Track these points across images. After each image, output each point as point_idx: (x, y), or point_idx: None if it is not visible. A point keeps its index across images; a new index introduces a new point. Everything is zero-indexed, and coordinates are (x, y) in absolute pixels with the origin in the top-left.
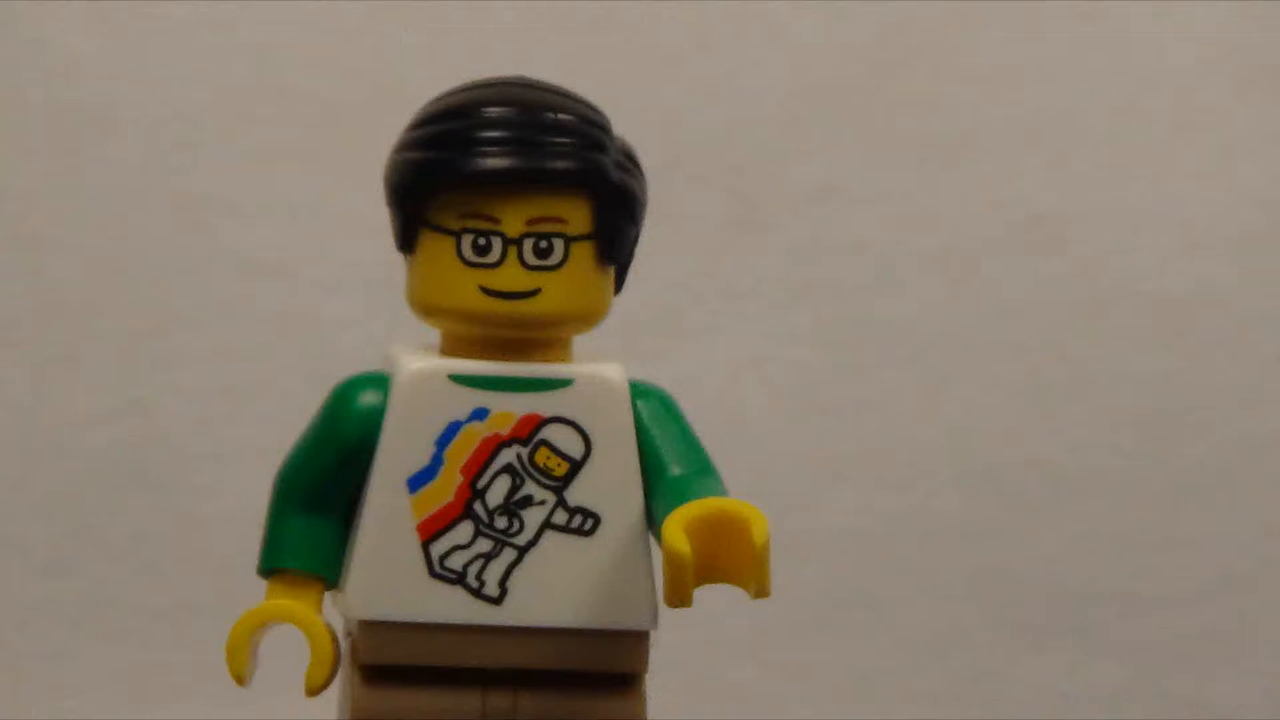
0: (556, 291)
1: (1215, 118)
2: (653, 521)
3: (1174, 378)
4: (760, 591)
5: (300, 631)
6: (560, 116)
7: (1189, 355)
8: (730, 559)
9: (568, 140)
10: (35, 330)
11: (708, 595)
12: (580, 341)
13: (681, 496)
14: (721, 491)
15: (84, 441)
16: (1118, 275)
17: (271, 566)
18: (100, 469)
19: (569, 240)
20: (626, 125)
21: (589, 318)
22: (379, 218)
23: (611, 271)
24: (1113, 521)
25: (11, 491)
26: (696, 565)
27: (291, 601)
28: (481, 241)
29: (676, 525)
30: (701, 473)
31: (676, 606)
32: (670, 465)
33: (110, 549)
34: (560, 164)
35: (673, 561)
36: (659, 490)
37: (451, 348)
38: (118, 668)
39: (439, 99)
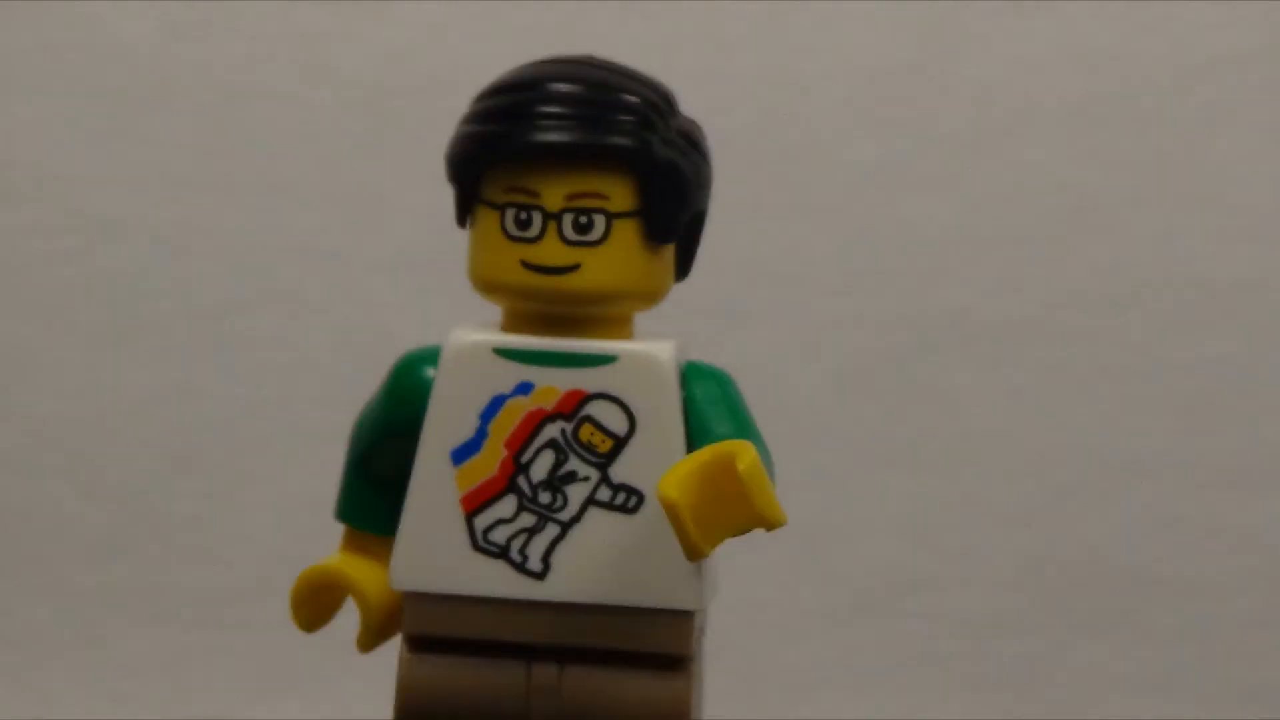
0: (597, 267)
1: (1263, 102)
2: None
3: (1225, 363)
4: (768, 520)
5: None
6: (611, 93)
7: (1240, 341)
8: (734, 500)
9: (614, 116)
10: (88, 314)
11: (757, 580)
12: (643, 323)
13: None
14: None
15: (135, 425)
16: (1169, 261)
17: (340, 519)
18: (151, 453)
19: (611, 216)
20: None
21: (637, 296)
22: (430, 201)
23: (665, 252)
24: (1164, 507)
25: (62, 475)
26: (709, 516)
27: (346, 566)
28: (523, 216)
29: (667, 474)
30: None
31: (692, 558)
32: (714, 429)
33: (161, 533)
34: (602, 139)
35: (664, 508)
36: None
37: (509, 324)
38: (167, 651)
39: (502, 75)
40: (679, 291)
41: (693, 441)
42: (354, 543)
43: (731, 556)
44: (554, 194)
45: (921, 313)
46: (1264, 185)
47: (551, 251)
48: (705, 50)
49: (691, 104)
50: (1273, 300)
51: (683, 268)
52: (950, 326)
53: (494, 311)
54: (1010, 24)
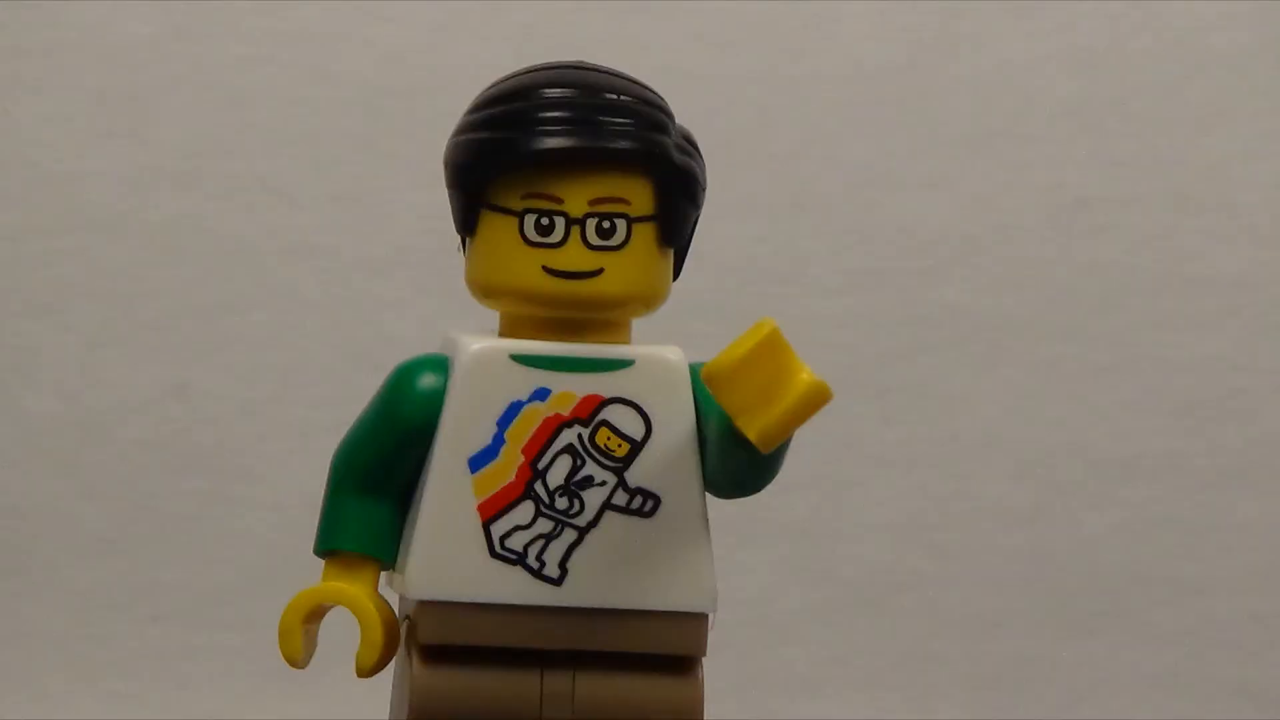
0: (619, 272)
1: (1260, 101)
2: (711, 417)
3: (1220, 362)
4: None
5: (351, 614)
6: (622, 97)
7: (1236, 339)
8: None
9: (630, 121)
10: (84, 313)
11: (756, 580)
12: (636, 326)
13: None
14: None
15: (132, 424)
16: (1164, 260)
17: (327, 547)
18: (148, 452)
19: (631, 221)
20: (675, 110)
21: (650, 300)
22: (425, 201)
23: (670, 254)
24: (1158, 506)
25: (60, 474)
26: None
27: (344, 584)
28: (544, 221)
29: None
30: None
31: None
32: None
33: (157, 531)
34: (623, 143)
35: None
36: (714, 415)
37: (511, 329)
38: (165, 649)
39: (499, 82)
40: (678, 292)
41: (707, 415)
42: (338, 569)
43: (731, 556)
44: (577, 200)
45: (919, 312)
46: (1259, 182)
47: (575, 257)
48: (703, 50)
49: (690, 104)
50: (1270, 298)
51: (675, 271)
52: (948, 326)
53: (488, 315)
54: (1006, 24)
